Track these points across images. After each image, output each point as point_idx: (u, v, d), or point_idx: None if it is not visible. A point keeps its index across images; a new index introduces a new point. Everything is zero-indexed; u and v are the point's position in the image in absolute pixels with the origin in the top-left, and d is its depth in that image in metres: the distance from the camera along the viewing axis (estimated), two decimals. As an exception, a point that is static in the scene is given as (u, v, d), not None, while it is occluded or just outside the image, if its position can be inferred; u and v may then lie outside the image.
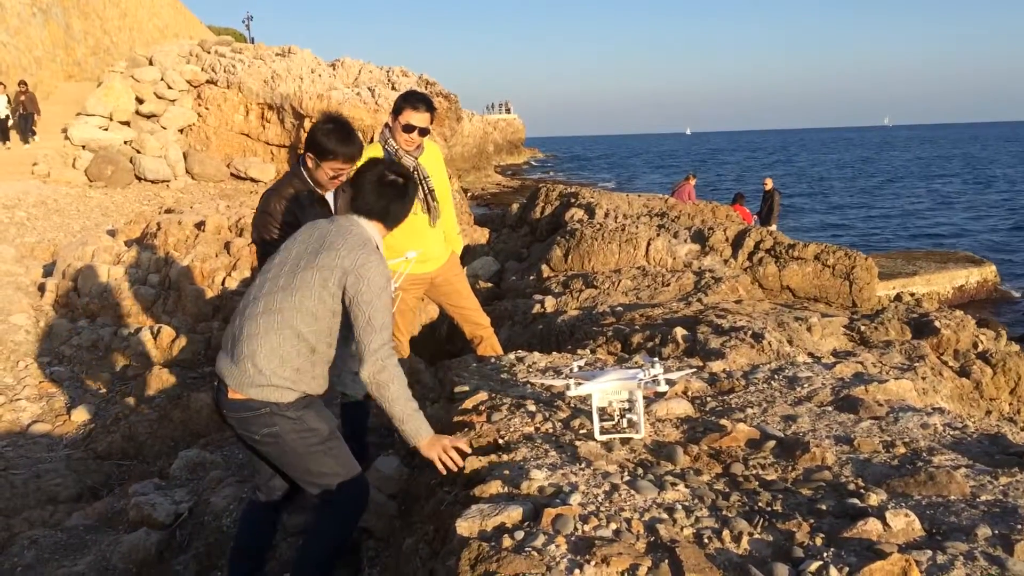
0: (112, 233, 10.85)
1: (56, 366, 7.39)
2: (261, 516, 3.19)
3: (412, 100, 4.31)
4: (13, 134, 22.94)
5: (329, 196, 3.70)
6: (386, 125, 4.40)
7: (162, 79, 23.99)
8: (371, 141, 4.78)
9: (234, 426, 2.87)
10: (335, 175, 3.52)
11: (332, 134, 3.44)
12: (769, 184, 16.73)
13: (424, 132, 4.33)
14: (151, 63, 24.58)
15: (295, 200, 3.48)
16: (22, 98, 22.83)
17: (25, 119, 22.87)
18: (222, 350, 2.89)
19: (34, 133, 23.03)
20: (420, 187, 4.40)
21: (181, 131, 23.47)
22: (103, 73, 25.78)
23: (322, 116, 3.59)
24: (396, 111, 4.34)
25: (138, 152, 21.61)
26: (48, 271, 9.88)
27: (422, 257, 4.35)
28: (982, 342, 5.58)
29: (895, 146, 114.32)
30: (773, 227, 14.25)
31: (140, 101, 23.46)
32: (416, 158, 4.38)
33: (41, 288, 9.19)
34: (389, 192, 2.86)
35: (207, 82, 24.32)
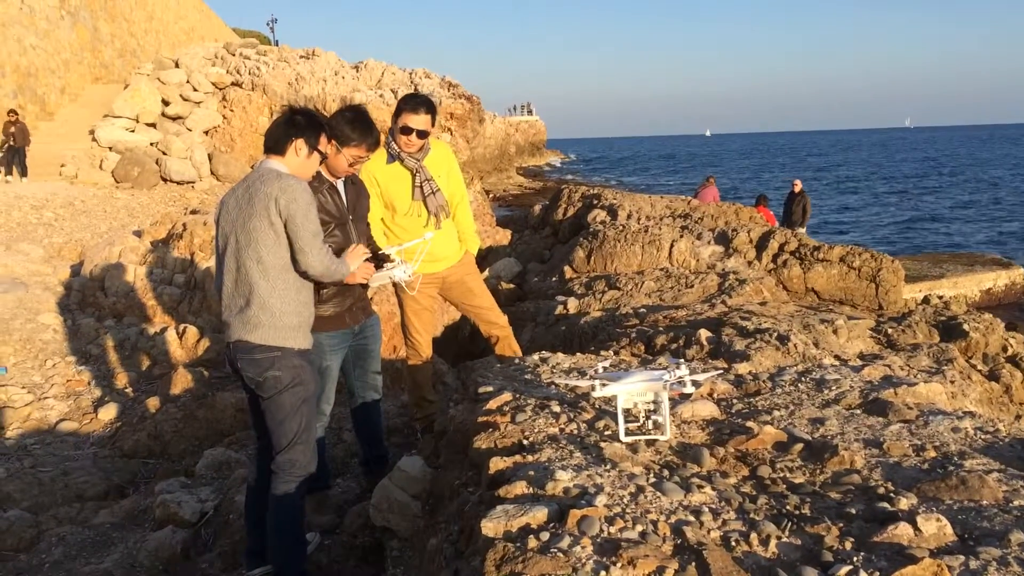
0: (138, 234, 10.95)
1: (83, 365, 7.47)
2: (261, 498, 3.54)
3: (411, 102, 4.30)
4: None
5: (340, 185, 3.74)
6: (391, 129, 4.41)
7: (188, 81, 24.24)
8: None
9: (243, 370, 3.30)
10: (354, 162, 3.63)
11: (355, 123, 3.63)
12: (799, 186, 16.59)
13: (423, 135, 4.31)
14: (177, 65, 24.85)
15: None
16: (12, 129, 20.06)
17: (15, 153, 20.10)
18: (226, 320, 3.33)
19: (25, 171, 20.08)
20: (420, 189, 4.39)
21: (206, 133, 23.68)
22: (130, 75, 26.08)
23: (342, 105, 3.69)
24: (396, 113, 4.35)
25: (164, 154, 21.83)
26: (75, 271, 9.99)
27: (431, 256, 4.35)
28: (1012, 345, 5.50)
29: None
30: (802, 230, 14.16)
31: (166, 103, 23.71)
32: (419, 160, 4.37)
33: (68, 288, 9.30)
34: (273, 125, 3.39)
35: (232, 84, 24.56)
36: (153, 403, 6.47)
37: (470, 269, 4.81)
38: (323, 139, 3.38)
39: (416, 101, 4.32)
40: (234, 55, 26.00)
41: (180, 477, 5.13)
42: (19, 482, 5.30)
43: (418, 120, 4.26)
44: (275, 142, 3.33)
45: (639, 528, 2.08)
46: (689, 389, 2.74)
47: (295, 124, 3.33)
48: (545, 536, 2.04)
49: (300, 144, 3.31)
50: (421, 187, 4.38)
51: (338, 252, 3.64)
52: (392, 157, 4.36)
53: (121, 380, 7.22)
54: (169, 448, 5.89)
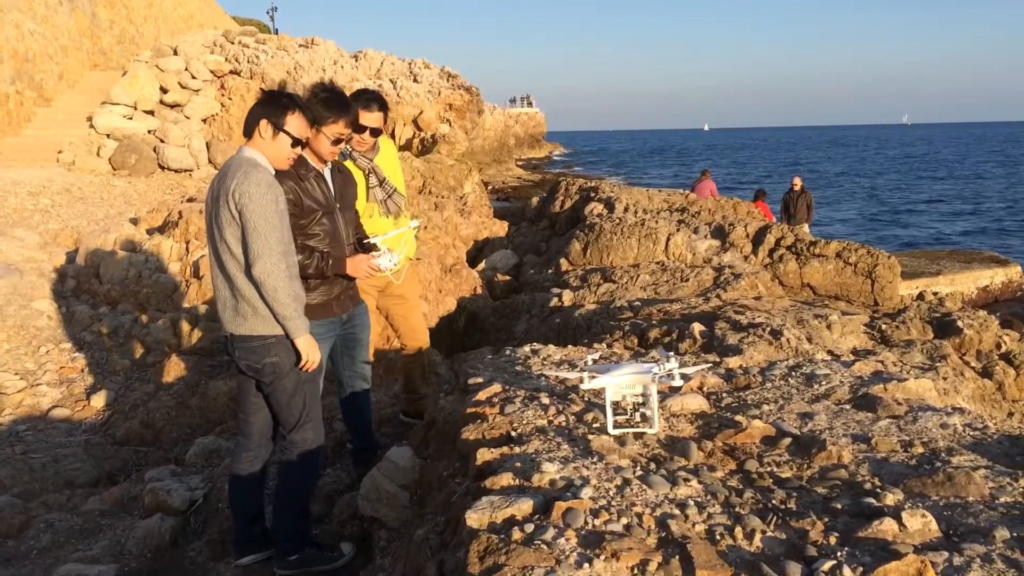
0: (135, 221, 10.92)
1: (77, 352, 7.46)
2: (245, 484, 3.59)
3: (363, 100, 4.13)
4: None
5: (326, 173, 3.69)
6: None
7: (186, 69, 24.10)
8: (391, 134, 4.73)
9: (240, 359, 3.29)
10: (336, 139, 3.55)
11: (328, 101, 3.55)
12: (798, 183, 16.51)
13: (376, 132, 4.20)
14: (176, 53, 24.70)
15: (294, 178, 3.49)
16: None
17: None
18: (219, 312, 3.32)
19: None
20: (381, 188, 4.33)
21: (204, 121, 23.55)
22: (128, 62, 25.93)
23: (314, 86, 3.63)
24: None
25: (162, 141, 21.71)
26: (71, 258, 9.96)
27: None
28: (1005, 343, 5.50)
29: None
30: (805, 227, 14.12)
31: (164, 91, 23.57)
32: (371, 159, 4.31)
33: (63, 275, 9.27)
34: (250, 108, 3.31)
35: (231, 72, 24.41)
36: (146, 391, 6.46)
37: (410, 279, 4.71)
38: (289, 118, 3.22)
39: (368, 97, 4.16)
40: (233, 43, 25.85)
41: (171, 465, 5.12)
42: (10, 468, 5.30)
43: (371, 118, 4.11)
44: (246, 126, 3.28)
45: (624, 521, 2.08)
46: (678, 382, 2.73)
47: (263, 104, 3.26)
48: (529, 528, 2.04)
49: (264, 125, 3.22)
50: (381, 186, 4.31)
51: (328, 240, 3.62)
52: (343, 156, 4.27)
53: (114, 367, 7.20)
54: (161, 436, 5.88)
